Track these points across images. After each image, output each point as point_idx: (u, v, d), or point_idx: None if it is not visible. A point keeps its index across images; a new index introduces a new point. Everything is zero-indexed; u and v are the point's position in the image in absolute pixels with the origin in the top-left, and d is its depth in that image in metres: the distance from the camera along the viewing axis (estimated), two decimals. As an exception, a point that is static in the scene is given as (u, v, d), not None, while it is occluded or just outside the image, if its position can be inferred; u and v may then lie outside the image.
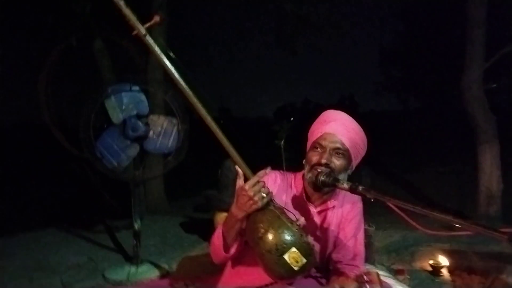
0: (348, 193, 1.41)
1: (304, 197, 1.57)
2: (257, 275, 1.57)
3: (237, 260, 1.58)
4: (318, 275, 1.60)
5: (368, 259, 2.77)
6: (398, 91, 21.41)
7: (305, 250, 1.27)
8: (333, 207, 1.60)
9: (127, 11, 1.18)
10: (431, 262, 2.88)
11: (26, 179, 7.72)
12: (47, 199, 6.30)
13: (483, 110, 4.66)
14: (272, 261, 1.26)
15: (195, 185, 5.45)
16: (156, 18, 1.23)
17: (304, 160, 1.57)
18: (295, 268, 1.26)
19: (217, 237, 1.44)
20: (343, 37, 7.00)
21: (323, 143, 1.49)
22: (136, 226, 2.86)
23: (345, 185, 1.37)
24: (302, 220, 1.42)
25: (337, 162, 1.48)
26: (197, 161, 6.84)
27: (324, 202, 1.59)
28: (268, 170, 1.38)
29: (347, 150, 1.50)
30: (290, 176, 1.65)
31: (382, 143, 12.57)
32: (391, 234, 3.63)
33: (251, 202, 1.32)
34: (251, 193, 1.31)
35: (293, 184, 1.62)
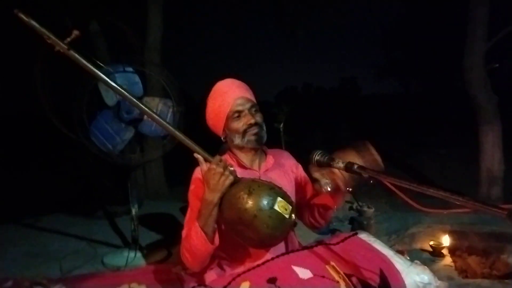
0: (276, 152, 1.74)
1: (245, 166, 1.64)
2: (250, 256, 1.57)
3: (222, 257, 1.62)
4: (313, 244, 1.62)
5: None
6: (400, 74, 21.23)
7: (287, 197, 1.38)
8: (273, 167, 1.69)
9: (43, 30, 1.26)
10: (431, 243, 2.86)
11: (26, 166, 7.72)
12: (47, 186, 6.29)
13: (485, 91, 4.58)
14: (265, 218, 1.31)
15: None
16: (76, 32, 1.30)
17: (224, 137, 1.64)
18: (287, 216, 1.34)
19: (196, 237, 1.42)
20: (344, 19, 6.90)
21: (240, 108, 1.57)
22: (134, 211, 2.84)
23: (340, 164, 1.34)
24: None
25: (258, 117, 1.60)
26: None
27: (263, 162, 1.69)
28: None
29: (256, 103, 1.62)
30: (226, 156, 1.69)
31: (383, 126, 12.55)
32: (391, 216, 3.60)
33: (223, 178, 1.37)
34: (221, 169, 1.37)
35: (230, 161, 1.64)
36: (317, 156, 1.40)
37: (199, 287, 1.47)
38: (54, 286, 2.16)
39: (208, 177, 1.39)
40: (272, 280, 1.38)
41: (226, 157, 1.66)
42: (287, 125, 4.04)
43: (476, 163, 4.72)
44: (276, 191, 1.37)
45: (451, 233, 2.98)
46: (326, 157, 1.39)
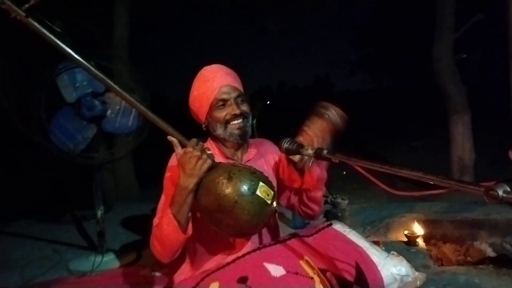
0: (258, 141, 1.60)
1: (226, 155, 1.55)
2: (219, 253, 1.48)
3: (194, 250, 1.51)
4: (286, 237, 1.51)
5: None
6: (372, 69, 21.58)
7: (269, 183, 1.30)
8: (256, 156, 1.61)
9: None
10: (406, 232, 2.84)
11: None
12: (11, 189, 6.01)
13: (454, 81, 4.65)
14: (246, 204, 1.22)
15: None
16: None
17: (205, 125, 1.55)
18: (269, 201, 1.26)
19: (168, 225, 1.32)
20: (316, 16, 6.90)
21: (225, 96, 1.47)
22: (99, 213, 2.70)
23: (310, 151, 1.27)
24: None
25: (244, 108, 1.50)
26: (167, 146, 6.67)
27: (244, 154, 1.59)
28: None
29: (243, 94, 1.52)
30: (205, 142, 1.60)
31: (356, 122, 12.67)
32: (366, 208, 3.58)
33: (201, 162, 1.27)
34: (198, 152, 1.27)
35: (213, 147, 1.57)
36: (285, 144, 1.33)
37: (165, 289, 1.36)
38: (12, 296, 2.03)
39: (183, 161, 1.28)
40: (242, 280, 1.29)
41: (207, 144, 1.57)
42: (260, 121, 3.97)
43: (447, 154, 4.79)
44: (257, 175, 1.29)
45: (425, 222, 2.97)
46: (295, 145, 1.32)
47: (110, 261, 2.66)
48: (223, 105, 1.48)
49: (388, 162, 1.01)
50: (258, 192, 1.24)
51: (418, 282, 1.45)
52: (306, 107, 1.51)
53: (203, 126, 1.55)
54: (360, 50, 19.78)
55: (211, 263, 1.47)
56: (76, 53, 1.22)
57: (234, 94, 1.48)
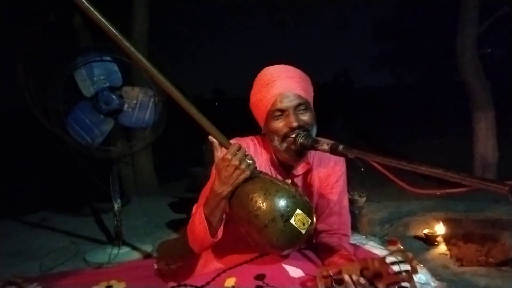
0: (326, 154, 1.28)
1: (277, 163, 1.43)
2: (238, 252, 1.45)
3: (215, 245, 1.44)
4: (301, 246, 1.47)
5: (360, 231, 2.67)
6: (393, 65, 21.16)
7: (308, 210, 1.19)
8: (309, 170, 1.46)
9: None
10: (425, 231, 2.77)
11: (8, 163, 7.55)
12: (31, 183, 6.15)
13: (477, 76, 4.51)
14: (276, 231, 1.15)
15: (187, 166, 5.32)
16: None
17: (264, 132, 1.41)
18: (303, 231, 1.17)
19: (199, 223, 1.28)
20: (335, 9, 6.80)
21: (281, 106, 1.32)
22: (116, 206, 2.72)
23: (325, 146, 1.23)
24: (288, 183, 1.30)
25: (305, 117, 1.33)
26: (187, 140, 6.72)
27: (298, 166, 1.44)
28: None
29: (307, 101, 1.35)
30: (254, 140, 1.49)
31: (377, 118, 12.50)
32: (385, 206, 3.51)
33: (238, 172, 1.19)
34: (237, 162, 1.18)
35: (263, 149, 1.47)
36: (300, 139, 1.30)
37: (179, 287, 1.34)
38: (30, 285, 2.06)
39: (220, 166, 1.20)
40: (260, 277, 1.27)
41: (257, 144, 1.47)
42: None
43: (469, 151, 4.66)
44: (296, 200, 1.18)
45: (446, 221, 2.89)
46: (310, 140, 1.28)
47: (126, 254, 2.69)
48: (281, 115, 1.33)
49: (407, 159, 0.97)
50: (292, 221, 1.15)
51: (438, 292, 1.40)
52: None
53: (262, 132, 1.44)
54: (380, 45, 19.37)
55: (229, 260, 1.45)
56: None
57: (293, 103, 1.32)
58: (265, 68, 1.40)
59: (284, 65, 1.39)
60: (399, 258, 1.15)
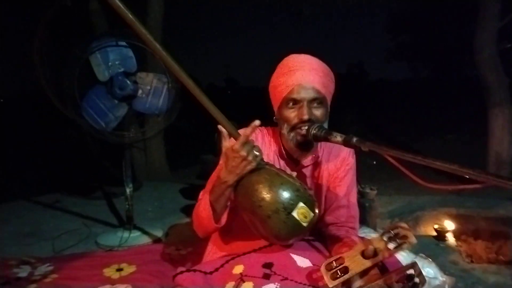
0: (335, 147, 1.27)
1: (285, 154, 1.43)
2: (247, 240, 1.46)
3: (223, 229, 1.45)
4: (310, 238, 1.47)
5: (370, 224, 2.67)
6: (408, 58, 20.84)
7: (311, 203, 1.21)
8: (318, 162, 1.46)
9: None
10: (436, 226, 2.75)
11: (23, 146, 7.68)
12: (44, 165, 6.25)
13: (495, 72, 4.43)
14: (279, 222, 1.18)
15: (199, 154, 5.36)
16: None
17: (276, 117, 1.41)
18: (304, 224, 1.19)
19: (204, 208, 1.31)
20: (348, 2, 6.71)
21: (297, 96, 1.32)
22: (128, 190, 2.75)
23: (338, 138, 1.23)
24: (294, 175, 1.31)
25: (317, 112, 1.32)
26: (200, 128, 6.75)
27: (307, 157, 1.44)
28: (257, 122, 1.24)
29: (324, 97, 1.34)
30: (264, 131, 1.49)
31: (389, 112, 12.38)
32: (395, 200, 3.50)
33: (245, 162, 1.20)
34: (244, 153, 1.18)
35: (272, 140, 1.47)
36: (313, 130, 1.29)
37: (188, 272, 1.36)
38: (42, 265, 2.11)
39: (228, 156, 1.21)
40: (268, 265, 1.28)
41: (266, 133, 1.47)
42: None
43: (483, 148, 4.60)
44: (300, 193, 1.20)
45: (457, 217, 2.88)
46: (324, 131, 1.28)
47: (137, 238, 2.73)
48: (295, 105, 1.32)
49: (421, 153, 0.97)
50: (294, 213, 1.17)
51: (447, 286, 1.39)
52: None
53: (274, 118, 1.43)
54: (396, 37, 19.07)
55: (238, 248, 1.46)
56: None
57: (310, 96, 1.31)
58: (291, 55, 1.39)
59: (311, 56, 1.38)
60: (395, 231, 1.14)
